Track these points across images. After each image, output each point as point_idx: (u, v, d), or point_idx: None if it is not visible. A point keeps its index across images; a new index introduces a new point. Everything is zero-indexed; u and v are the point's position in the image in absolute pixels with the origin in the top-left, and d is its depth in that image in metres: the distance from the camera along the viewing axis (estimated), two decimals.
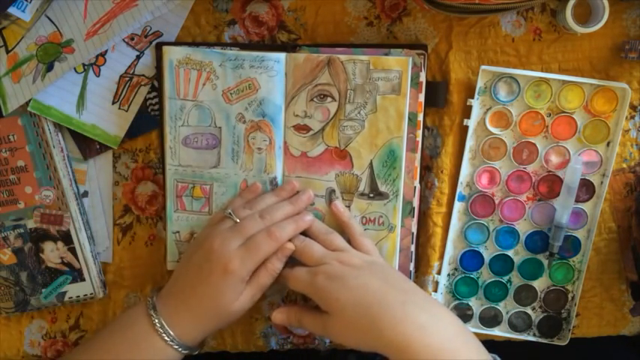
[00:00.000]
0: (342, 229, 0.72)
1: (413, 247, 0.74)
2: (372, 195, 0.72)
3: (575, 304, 0.76)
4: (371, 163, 0.71)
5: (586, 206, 0.74)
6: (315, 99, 0.71)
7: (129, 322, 0.67)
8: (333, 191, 0.72)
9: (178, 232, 0.74)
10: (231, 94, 0.71)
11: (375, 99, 0.70)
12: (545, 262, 0.75)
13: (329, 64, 0.70)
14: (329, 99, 0.71)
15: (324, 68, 0.70)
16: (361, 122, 0.71)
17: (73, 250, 0.74)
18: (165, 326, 0.65)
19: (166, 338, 0.65)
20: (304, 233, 0.70)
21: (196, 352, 0.69)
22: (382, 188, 0.72)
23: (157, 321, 0.65)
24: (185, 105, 0.71)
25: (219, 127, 0.72)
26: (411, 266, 0.74)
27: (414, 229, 0.74)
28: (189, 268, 0.68)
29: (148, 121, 0.74)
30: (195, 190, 0.73)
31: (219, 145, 0.72)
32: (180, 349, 0.66)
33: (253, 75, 0.70)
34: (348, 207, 0.72)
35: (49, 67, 0.70)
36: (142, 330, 0.66)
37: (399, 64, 0.69)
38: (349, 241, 0.71)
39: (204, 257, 0.67)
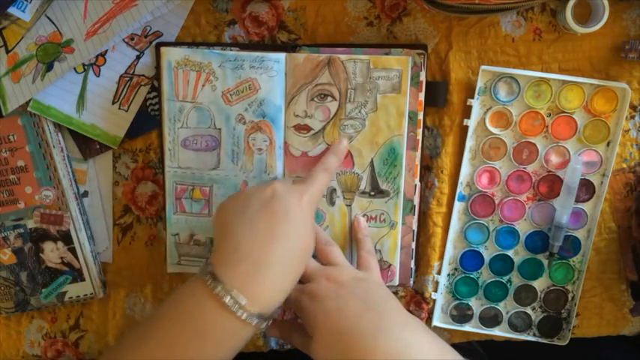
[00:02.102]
0: (356, 243, 0.72)
1: (413, 245, 0.74)
2: (373, 193, 0.72)
3: (575, 304, 0.76)
4: (372, 162, 0.72)
5: (586, 206, 0.74)
6: (315, 99, 0.71)
7: (189, 310, 0.58)
8: (334, 190, 0.72)
9: (178, 234, 0.74)
10: (230, 95, 0.71)
11: (375, 98, 0.70)
12: (545, 262, 0.75)
13: (329, 64, 0.70)
14: (329, 98, 0.71)
15: (325, 68, 0.70)
16: (362, 121, 0.71)
17: (73, 250, 0.74)
18: (242, 302, 0.56)
19: (244, 316, 0.56)
20: None
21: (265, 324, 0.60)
22: (383, 186, 0.72)
23: (228, 298, 0.56)
24: (184, 106, 0.71)
25: (219, 129, 0.71)
26: (412, 264, 0.74)
27: (415, 227, 0.74)
28: (250, 227, 0.60)
29: (148, 121, 0.74)
30: (194, 192, 0.73)
31: (219, 147, 0.72)
32: (259, 323, 0.58)
33: (253, 75, 0.70)
34: (349, 206, 0.72)
35: (49, 67, 0.70)
36: (209, 314, 0.57)
37: (399, 63, 0.69)
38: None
39: (264, 207, 0.61)
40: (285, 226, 0.60)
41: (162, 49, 0.71)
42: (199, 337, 0.57)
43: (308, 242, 0.63)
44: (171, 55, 0.70)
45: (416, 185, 0.73)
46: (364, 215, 0.73)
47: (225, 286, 0.56)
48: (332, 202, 0.73)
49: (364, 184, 0.72)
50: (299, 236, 0.61)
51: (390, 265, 0.74)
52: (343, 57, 0.70)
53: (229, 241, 0.60)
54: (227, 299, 0.56)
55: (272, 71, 0.70)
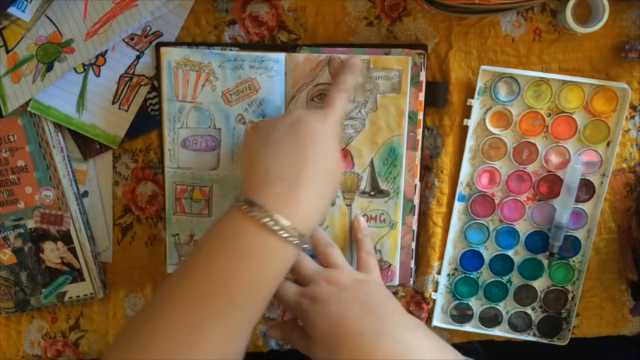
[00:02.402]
0: (356, 243, 0.72)
1: (413, 245, 0.74)
2: (373, 193, 0.72)
3: (575, 304, 0.76)
4: (372, 162, 0.71)
5: (586, 206, 0.74)
6: (315, 99, 0.71)
7: (230, 238, 0.56)
8: None
9: (178, 234, 0.74)
10: (230, 95, 0.71)
11: (375, 98, 0.70)
12: (545, 262, 0.75)
13: (329, 64, 0.70)
14: None
15: (325, 68, 0.70)
16: (362, 121, 0.71)
17: (73, 250, 0.74)
18: (281, 221, 0.55)
19: (285, 234, 0.55)
20: None
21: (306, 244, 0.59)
22: (383, 186, 0.72)
23: (267, 219, 0.55)
24: (184, 107, 0.71)
25: (219, 129, 0.71)
26: (412, 264, 0.74)
27: (415, 227, 0.74)
28: (278, 151, 0.59)
29: (148, 121, 0.74)
30: (194, 193, 0.73)
31: (219, 147, 0.72)
32: (300, 243, 0.57)
33: (253, 75, 0.70)
34: (349, 206, 0.72)
35: (49, 67, 0.70)
36: (252, 238, 0.56)
37: (399, 62, 0.69)
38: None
39: (291, 131, 0.60)
40: (313, 147, 0.59)
41: (162, 49, 0.70)
42: (244, 262, 0.56)
43: (337, 163, 0.62)
44: (171, 55, 0.70)
45: (416, 185, 0.73)
46: (364, 215, 0.73)
47: (263, 208, 0.55)
48: (332, 203, 0.73)
49: (364, 184, 0.72)
50: (328, 156, 0.60)
51: (390, 265, 0.74)
52: (343, 57, 0.70)
53: (258, 167, 0.59)
54: (266, 220, 0.55)
55: (272, 71, 0.70)
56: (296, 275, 0.67)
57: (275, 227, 0.55)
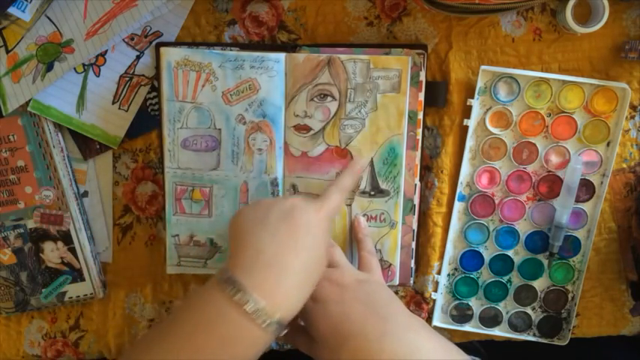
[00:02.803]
0: (356, 243, 0.72)
1: (414, 245, 0.74)
2: (373, 193, 0.72)
3: (575, 304, 0.76)
4: (372, 162, 0.72)
5: (586, 206, 0.74)
6: (315, 99, 0.71)
7: (211, 319, 0.56)
8: None
9: (178, 235, 0.74)
10: (231, 95, 0.71)
11: (375, 97, 0.70)
12: (545, 262, 0.75)
13: (329, 64, 0.70)
14: (329, 98, 0.71)
15: (325, 68, 0.70)
16: (362, 121, 0.71)
17: (73, 250, 0.74)
18: (263, 308, 0.55)
19: (269, 326, 0.55)
20: None
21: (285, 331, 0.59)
22: (383, 186, 0.72)
23: (250, 305, 0.55)
24: (184, 107, 0.71)
25: (219, 129, 0.71)
26: (412, 263, 0.74)
27: (415, 227, 0.74)
28: (272, 236, 0.59)
29: (148, 121, 0.74)
30: (194, 193, 0.73)
31: (219, 147, 0.72)
32: (279, 330, 0.57)
33: (254, 75, 0.70)
34: (349, 206, 0.72)
35: (49, 67, 0.70)
36: (231, 322, 0.55)
37: (398, 62, 0.69)
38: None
39: (286, 218, 0.60)
40: (307, 238, 0.60)
41: (162, 50, 0.70)
42: (226, 348, 0.56)
43: (324, 257, 0.62)
44: (171, 56, 0.70)
45: (416, 185, 0.73)
46: (364, 215, 0.73)
47: (247, 293, 0.55)
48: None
49: (364, 184, 0.72)
50: (319, 247, 0.61)
51: (391, 264, 0.74)
52: (343, 57, 0.70)
53: (249, 248, 0.59)
54: (249, 306, 0.55)
55: (272, 71, 0.70)
56: None
57: (256, 314, 0.55)
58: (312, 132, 0.72)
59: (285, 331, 0.58)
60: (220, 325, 0.55)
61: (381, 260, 0.73)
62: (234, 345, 0.56)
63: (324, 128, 0.71)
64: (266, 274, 0.57)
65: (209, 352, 0.55)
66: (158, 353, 0.56)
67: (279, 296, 0.57)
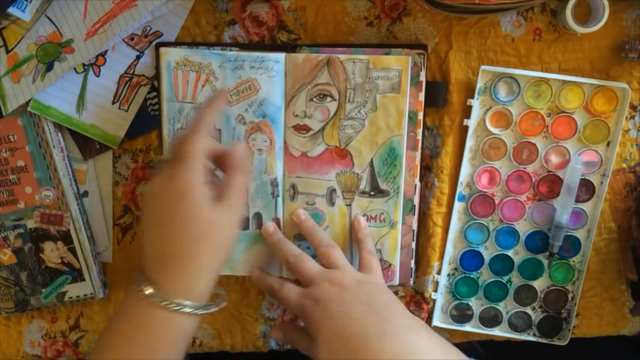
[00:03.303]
0: (357, 243, 0.72)
1: (414, 245, 0.74)
2: (373, 193, 0.72)
3: (575, 304, 0.76)
4: (371, 162, 0.71)
5: (586, 206, 0.74)
6: (314, 99, 0.71)
7: (135, 323, 0.58)
8: (334, 191, 0.72)
9: None
10: (230, 95, 0.70)
11: (375, 98, 0.70)
12: (545, 262, 0.75)
13: (328, 64, 0.70)
14: (329, 99, 0.71)
15: (324, 68, 0.70)
16: (361, 121, 0.71)
17: (73, 250, 0.74)
18: (181, 300, 0.57)
19: (188, 310, 0.58)
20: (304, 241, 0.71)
21: (214, 309, 0.61)
22: (383, 186, 0.72)
23: (167, 302, 0.57)
24: (184, 107, 0.71)
25: (219, 130, 0.71)
26: (412, 263, 0.74)
27: (415, 227, 0.74)
28: (162, 228, 0.59)
29: (148, 121, 0.74)
30: None
31: None
32: (203, 309, 0.59)
33: (254, 76, 0.70)
34: (349, 206, 0.72)
35: (49, 67, 0.70)
36: (155, 322, 0.58)
37: (398, 62, 0.69)
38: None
39: (172, 200, 0.58)
40: (197, 224, 0.59)
41: (162, 50, 0.70)
42: (157, 346, 0.58)
43: (210, 227, 0.59)
44: (171, 56, 0.70)
45: (416, 185, 0.73)
46: (364, 215, 0.73)
47: (165, 294, 0.57)
48: (332, 202, 0.72)
49: (364, 184, 0.72)
50: (198, 217, 0.59)
51: (390, 264, 0.74)
52: (342, 57, 0.70)
53: (152, 245, 0.60)
54: (170, 305, 0.57)
55: (272, 71, 0.70)
56: (298, 276, 0.67)
57: (178, 308, 0.57)
58: (311, 132, 0.71)
59: (211, 309, 0.60)
60: (148, 328, 0.58)
61: (381, 260, 0.73)
62: (167, 340, 0.58)
63: (323, 128, 0.71)
64: (165, 264, 0.58)
65: (139, 347, 0.58)
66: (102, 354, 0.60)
67: (183, 280, 0.58)
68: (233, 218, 0.61)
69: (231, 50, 0.71)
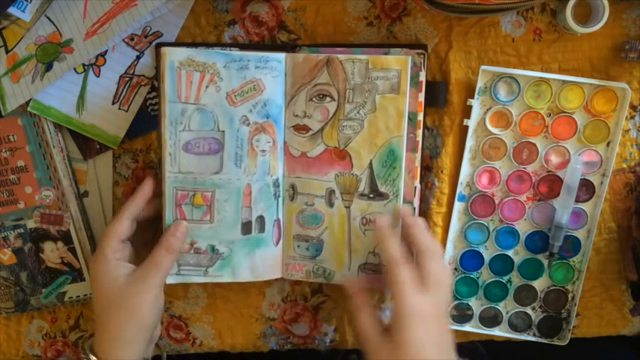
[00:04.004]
0: (378, 245, 0.71)
1: None
2: (372, 195, 0.71)
3: (575, 304, 0.76)
4: (370, 163, 0.71)
5: (586, 206, 0.74)
6: (314, 99, 0.71)
7: None
8: (332, 192, 0.72)
9: None
10: (235, 96, 0.70)
11: (374, 98, 0.69)
12: (545, 262, 0.75)
13: (328, 64, 0.70)
14: (328, 99, 0.70)
15: (323, 68, 0.70)
16: (360, 122, 0.70)
17: (73, 250, 0.74)
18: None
19: None
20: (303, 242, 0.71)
21: None
22: (382, 189, 0.71)
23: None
24: (186, 109, 0.69)
25: (223, 131, 0.70)
26: None
27: None
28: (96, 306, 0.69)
29: (148, 121, 0.74)
30: (195, 198, 0.70)
31: (222, 150, 0.70)
32: None
33: (258, 76, 0.69)
34: (348, 207, 0.72)
35: (48, 67, 0.70)
36: None
37: (397, 63, 0.69)
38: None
39: (91, 279, 0.69)
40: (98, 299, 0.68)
41: (165, 49, 0.69)
42: None
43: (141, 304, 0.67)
44: (174, 55, 0.68)
45: (416, 187, 0.72)
46: (363, 218, 0.72)
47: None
48: (330, 204, 0.72)
49: (363, 186, 0.71)
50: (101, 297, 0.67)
51: None
52: (342, 57, 0.69)
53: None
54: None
55: (275, 71, 0.70)
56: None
57: None
58: (311, 132, 0.71)
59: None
60: None
61: (379, 265, 0.72)
62: None
63: (322, 129, 0.71)
64: (107, 343, 0.66)
65: None
66: None
67: (102, 347, 0.66)
68: (143, 286, 0.66)
69: (232, 50, 0.70)
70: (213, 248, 0.72)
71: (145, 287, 0.66)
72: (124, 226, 0.68)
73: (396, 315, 0.62)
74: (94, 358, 0.65)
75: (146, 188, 0.70)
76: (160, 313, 0.68)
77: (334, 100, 0.70)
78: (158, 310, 0.67)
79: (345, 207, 0.72)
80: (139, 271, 0.67)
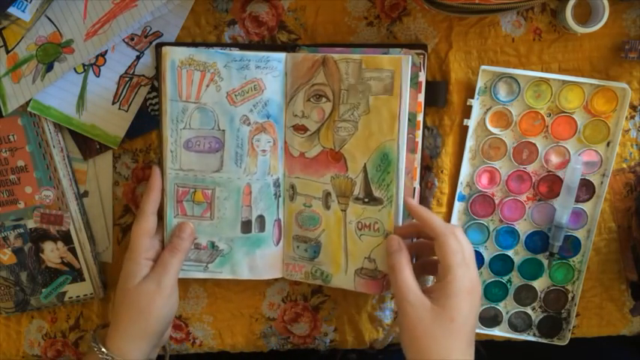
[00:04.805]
0: (418, 219, 0.68)
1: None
2: (366, 200, 0.70)
3: (575, 304, 0.76)
4: (365, 167, 0.69)
5: (586, 206, 0.74)
6: (311, 99, 0.70)
7: None
8: (329, 194, 0.71)
9: None
10: (235, 95, 0.70)
11: (367, 100, 0.68)
12: (545, 262, 0.75)
13: (324, 64, 0.69)
14: (324, 99, 0.70)
15: (320, 68, 0.69)
16: (354, 124, 0.69)
17: (73, 250, 0.74)
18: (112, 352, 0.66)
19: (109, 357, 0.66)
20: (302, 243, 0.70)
21: None
22: (376, 193, 0.69)
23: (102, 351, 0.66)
24: (187, 107, 0.70)
25: (223, 130, 0.70)
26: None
27: None
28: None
29: (148, 121, 0.74)
30: (196, 195, 0.71)
31: (222, 149, 0.70)
32: None
33: (259, 76, 0.69)
34: (344, 211, 0.71)
35: (49, 68, 0.70)
36: None
37: (391, 63, 0.67)
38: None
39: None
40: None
41: (165, 49, 0.69)
42: None
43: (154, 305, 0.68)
44: (176, 55, 0.69)
45: (415, 188, 0.72)
46: (358, 222, 0.70)
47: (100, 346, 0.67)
48: (327, 206, 0.72)
49: (357, 190, 0.70)
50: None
51: (385, 274, 0.71)
52: (337, 56, 0.68)
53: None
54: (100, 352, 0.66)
55: (276, 71, 0.70)
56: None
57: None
58: (308, 132, 0.71)
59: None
60: None
61: (375, 270, 0.71)
62: None
63: (319, 130, 0.70)
64: (117, 337, 0.67)
65: None
66: None
67: (113, 342, 0.66)
68: (153, 288, 0.67)
69: (231, 50, 0.70)
70: (213, 244, 0.72)
71: (155, 288, 0.67)
72: (151, 222, 0.70)
73: (448, 284, 0.62)
74: (103, 348, 0.66)
75: (157, 181, 0.71)
76: (170, 316, 0.69)
77: (329, 101, 0.70)
78: (168, 312, 0.68)
79: (342, 210, 0.71)
80: (151, 273, 0.68)
